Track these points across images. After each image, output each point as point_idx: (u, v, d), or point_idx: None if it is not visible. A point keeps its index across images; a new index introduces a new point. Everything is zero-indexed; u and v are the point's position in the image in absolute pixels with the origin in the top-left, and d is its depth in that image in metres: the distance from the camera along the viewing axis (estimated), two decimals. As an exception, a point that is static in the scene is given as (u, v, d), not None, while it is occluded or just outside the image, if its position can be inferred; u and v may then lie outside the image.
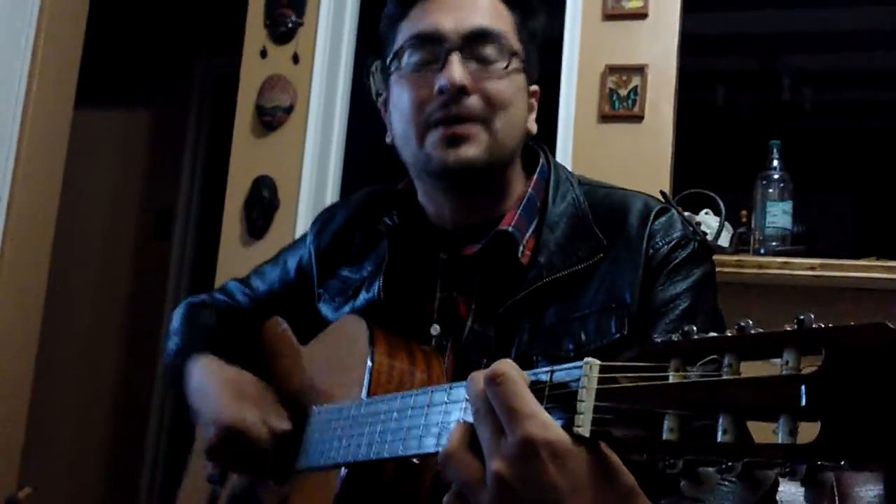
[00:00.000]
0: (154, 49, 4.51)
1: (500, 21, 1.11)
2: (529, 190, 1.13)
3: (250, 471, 1.15)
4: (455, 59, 1.06)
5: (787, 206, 2.43)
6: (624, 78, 2.82)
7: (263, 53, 3.22)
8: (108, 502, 4.25)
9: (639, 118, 2.78)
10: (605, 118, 2.82)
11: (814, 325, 0.53)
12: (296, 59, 3.18)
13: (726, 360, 0.57)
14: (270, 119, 3.16)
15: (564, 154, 2.82)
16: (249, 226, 3.12)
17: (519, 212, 1.10)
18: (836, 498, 1.52)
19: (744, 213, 2.58)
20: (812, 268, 2.28)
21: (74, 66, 3.19)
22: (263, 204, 3.10)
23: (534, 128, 1.16)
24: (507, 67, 1.09)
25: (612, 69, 2.82)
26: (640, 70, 2.80)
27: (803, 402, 0.51)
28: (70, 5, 3.14)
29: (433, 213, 1.17)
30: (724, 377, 0.56)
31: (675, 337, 0.61)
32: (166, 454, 4.28)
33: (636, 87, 2.80)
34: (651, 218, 1.08)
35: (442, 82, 1.04)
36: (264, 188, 3.11)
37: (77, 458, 4.18)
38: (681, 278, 1.05)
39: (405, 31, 1.12)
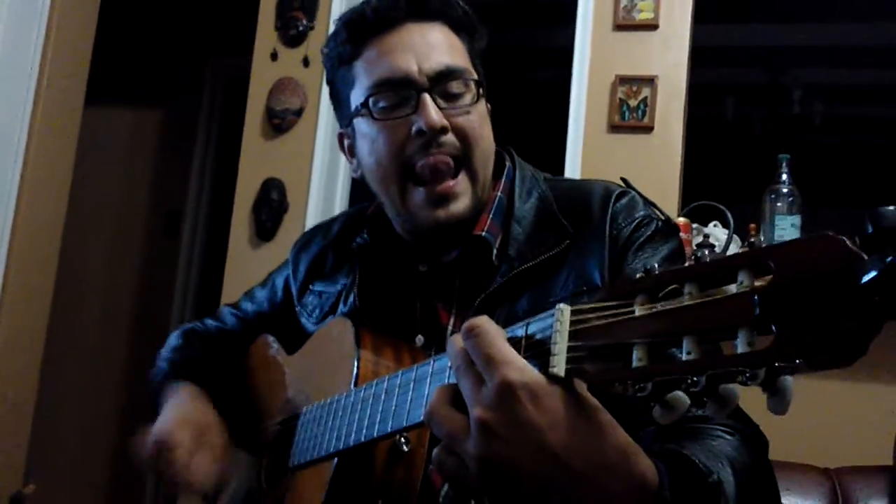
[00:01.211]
0: (165, 50, 4.53)
1: (457, 54, 1.13)
2: (498, 193, 1.17)
3: (164, 485, 1.18)
4: (427, 99, 1.08)
5: (796, 219, 2.43)
6: (634, 88, 2.82)
7: (274, 56, 3.23)
8: (114, 500, 4.25)
9: (648, 129, 2.79)
10: (614, 128, 2.82)
11: (763, 245, 0.56)
12: (306, 62, 3.19)
13: (686, 289, 0.60)
14: (280, 121, 3.17)
15: (573, 164, 2.82)
16: (258, 228, 3.13)
17: (491, 216, 1.13)
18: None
19: (752, 226, 2.58)
20: (819, 283, 2.27)
21: (85, 64, 3.20)
22: (272, 206, 3.11)
23: (493, 145, 1.19)
24: (473, 101, 1.12)
25: (622, 80, 2.83)
26: (650, 81, 2.80)
27: (757, 312, 0.54)
28: (81, 4, 3.16)
29: (408, 236, 1.19)
30: (685, 303, 0.59)
31: (638, 275, 0.64)
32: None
33: (646, 97, 2.80)
34: (612, 200, 1.11)
35: (420, 124, 1.07)
36: (273, 190, 3.12)
37: (83, 455, 4.19)
38: (648, 255, 1.07)
39: (366, 75, 1.13)
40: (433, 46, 1.11)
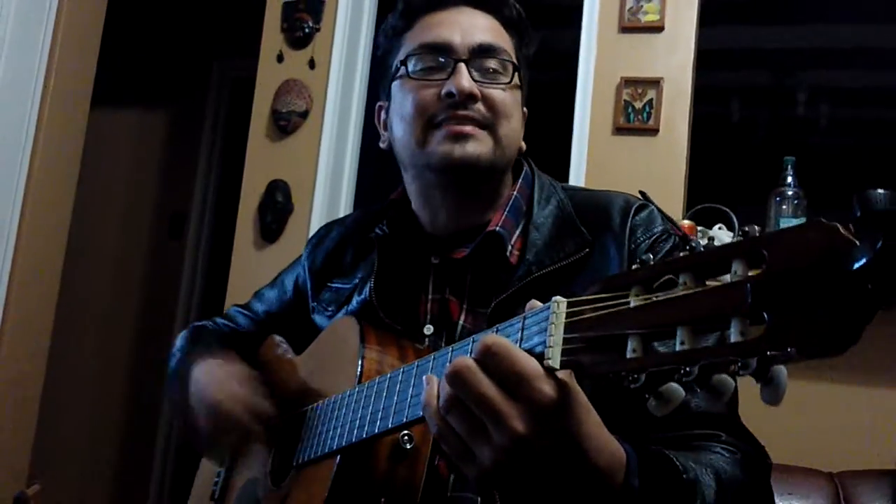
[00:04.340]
0: (171, 51, 4.54)
1: (503, 40, 1.17)
2: (515, 193, 1.17)
3: (238, 453, 1.19)
4: (462, 67, 1.11)
5: (801, 222, 2.43)
6: (639, 91, 2.82)
7: (280, 58, 3.23)
8: (118, 501, 4.26)
9: (654, 131, 2.78)
10: (619, 130, 2.82)
11: (757, 234, 0.56)
12: (312, 64, 3.20)
13: (681, 279, 0.60)
14: (286, 123, 3.18)
15: (579, 166, 2.82)
16: (263, 229, 3.13)
17: (506, 213, 1.14)
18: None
19: (757, 228, 2.57)
20: (825, 285, 2.26)
21: (91, 66, 3.21)
22: (277, 208, 3.12)
23: (523, 145, 1.21)
24: (510, 81, 1.14)
25: (627, 81, 2.83)
26: (655, 83, 2.80)
27: (749, 301, 0.54)
28: (88, 6, 3.17)
29: (426, 218, 1.20)
30: (679, 293, 0.59)
31: (634, 266, 0.64)
32: (177, 452, 4.29)
33: (651, 99, 2.80)
34: (632, 213, 1.11)
35: (450, 88, 1.09)
36: (278, 192, 3.13)
37: (87, 456, 4.20)
38: None
39: (411, 42, 1.17)
40: (480, 28, 1.15)
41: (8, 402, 2.88)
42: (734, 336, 0.55)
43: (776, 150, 3.02)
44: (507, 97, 1.13)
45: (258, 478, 1.18)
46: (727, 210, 2.56)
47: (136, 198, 4.51)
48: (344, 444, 0.95)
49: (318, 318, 1.29)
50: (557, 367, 0.68)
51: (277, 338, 1.32)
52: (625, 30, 2.87)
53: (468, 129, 1.09)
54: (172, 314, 4.32)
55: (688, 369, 0.57)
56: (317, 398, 1.11)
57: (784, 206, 2.45)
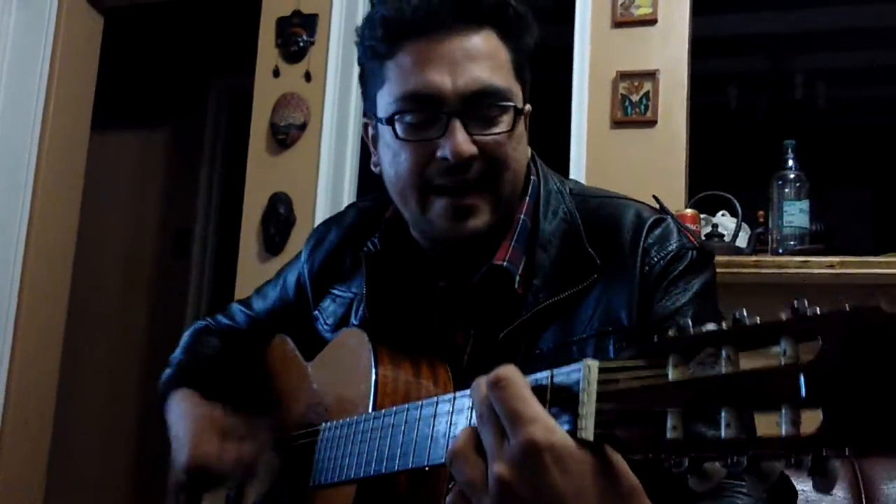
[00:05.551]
0: (169, 70, 4.57)
1: (500, 70, 1.04)
2: (521, 216, 1.10)
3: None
4: (458, 126, 1.00)
5: (804, 204, 2.42)
6: (635, 83, 2.82)
7: (276, 72, 3.25)
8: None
9: (652, 123, 2.78)
10: (617, 124, 2.82)
11: (808, 312, 0.53)
12: (308, 76, 3.21)
13: (724, 353, 0.56)
14: (284, 136, 3.19)
15: (578, 161, 2.82)
16: (267, 242, 3.14)
17: (513, 244, 1.08)
18: (862, 495, 1.50)
19: (761, 213, 2.57)
20: (831, 266, 2.26)
21: (90, 90, 3.23)
22: (280, 220, 3.13)
23: (528, 152, 1.14)
24: (509, 128, 1.03)
25: (623, 75, 2.83)
26: (651, 75, 2.80)
27: (803, 393, 0.51)
28: (85, 29, 3.19)
29: (426, 245, 1.14)
30: (724, 371, 0.55)
31: (671, 333, 0.60)
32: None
33: (648, 92, 2.80)
34: (644, 232, 1.05)
35: (446, 152, 1.00)
36: (280, 204, 3.14)
37: (99, 478, 4.20)
38: (679, 291, 1.02)
39: (396, 82, 1.04)
40: (474, 60, 1.01)
41: (20, 426, 2.89)
42: (785, 426, 0.51)
43: (776, 133, 3.02)
44: (508, 149, 1.03)
45: (272, 491, 1.17)
46: (730, 196, 2.56)
47: (139, 218, 4.53)
48: (362, 475, 0.93)
49: (320, 328, 1.25)
50: (591, 439, 0.63)
51: (288, 340, 1.29)
52: (618, 24, 2.88)
53: (469, 200, 1.02)
54: (180, 331, 4.31)
55: (735, 459, 0.54)
56: (330, 414, 1.08)
57: (787, 190, 2.44)
